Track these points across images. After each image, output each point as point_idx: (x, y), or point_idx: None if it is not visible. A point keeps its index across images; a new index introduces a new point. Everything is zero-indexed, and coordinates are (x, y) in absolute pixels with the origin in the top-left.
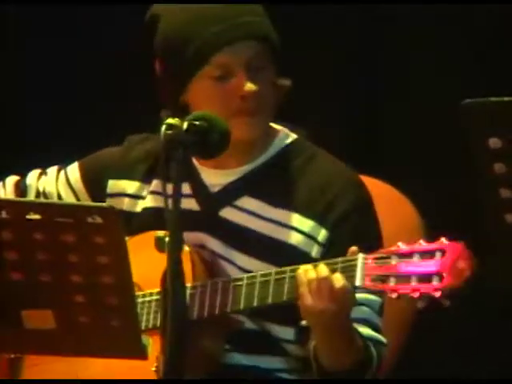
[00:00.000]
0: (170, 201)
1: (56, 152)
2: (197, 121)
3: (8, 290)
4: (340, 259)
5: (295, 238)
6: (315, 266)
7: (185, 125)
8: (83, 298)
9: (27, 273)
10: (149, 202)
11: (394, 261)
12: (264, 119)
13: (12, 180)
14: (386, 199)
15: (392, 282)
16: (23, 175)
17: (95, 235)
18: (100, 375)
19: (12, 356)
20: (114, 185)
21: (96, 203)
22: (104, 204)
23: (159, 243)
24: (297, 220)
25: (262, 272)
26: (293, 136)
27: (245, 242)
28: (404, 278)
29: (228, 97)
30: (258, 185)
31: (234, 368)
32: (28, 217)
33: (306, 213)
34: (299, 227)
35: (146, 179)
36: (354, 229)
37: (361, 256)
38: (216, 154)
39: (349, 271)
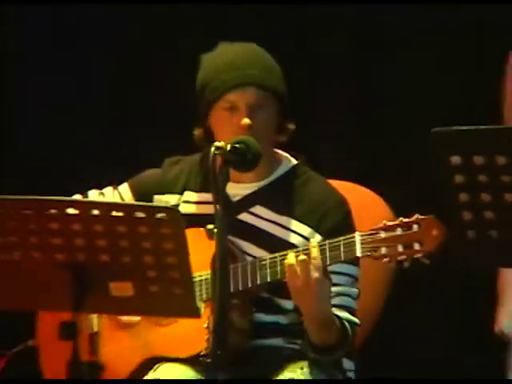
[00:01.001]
0: (197, 206)
1: (107, 173)
2: (237, 144)
3: (99, 268)
4: (342, 238)
5: (295, 239)
6: (311, 247)
7: (228, 147)
8: (154, 273)
9: (113, 255)
10: (182, 209)
11: (382, 234)
12: (259, 142)
13: (77, 198)
14: (367, 201)
15: (383, 251)
16: (83, 194)
17: (162, 227)
18: (164, 335)
19: (91, 332)
20: (159, 199)
21: (161, 204)
22: (168, 205)
23: (209, 233)
24: (297, 226)
25: (265, 257)
26: (294, 161)
27: (257, 238)
28: (392, 246)
29: (233, 125)
30: (268, 197)
31: (260, 324)
32: (113, 214)
33: (304, 221)
34: (299, 231)
35: (181, 192)
36: (341, 235)
37: (357, 233)
38: (251, 169)
39: (350, 246)
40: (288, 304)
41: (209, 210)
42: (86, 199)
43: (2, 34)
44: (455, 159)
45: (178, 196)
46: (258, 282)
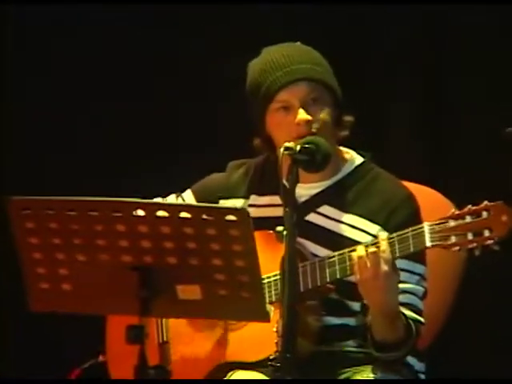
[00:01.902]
0: (263, 209)
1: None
2: (307, 144)
3: (166, 271)
4: (410, 229)
5: (363, 238)
6: (366, 247)
7: (298, 147)
8: (222, 276)
9: (180, 258)
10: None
11: (451, 223)
12: (328, 140)
13: None
14: (431, 201)
15: (453, 240)
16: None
17: (231, 229)
18: (234, 340)
19: (160, 341)
20: (224, 203)
21: (230, 206)
22: (237, 206)
23: (278, 235)
24: (365, 224)
25: (333, 254)
26: (360, 159)
27: (324, 238)
28: (461, 235)
29: (289, 125)
30: (334, 196)
31: (330, 327)
32: (181, 215)
33: (372, 219)
34: (367, 229)
35: (246, 196)
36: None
37: (426, 224)
38: (320, 169)
39: (419, 236)
40: (356, 306)
41: (275, 212)
42: (152, 201)
43: (2, 34)
44: None
45: (243, 200)
46: (328, 279)
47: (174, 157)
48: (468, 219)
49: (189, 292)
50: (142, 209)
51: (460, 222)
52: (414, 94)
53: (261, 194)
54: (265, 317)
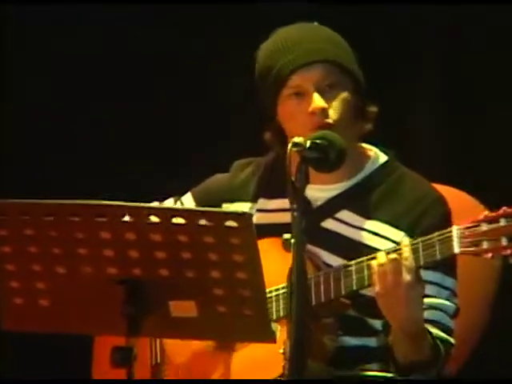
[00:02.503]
0: (273, 214)
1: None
2: (318, 139)
3: (157, 285)
4: (437, 234)
5: (387, 246)
6: (387, 254)
7: (308, 143)
8: (222, 290)
9: (173, 269)
10: (256, 219)
11: (484, 227)
12: (345, 132)
13: None
14: (460, 204)
15: (485, 245)
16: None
17: (231, 237)
18: (237, 361)
19: (153, 363)
20: (227, 208)
21: (231, 210)
22: (239, 210)
23: (286, 244)
24: (389, 230)
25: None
26: (384, 157)
27: (343, 248)
28: (495, 240)
29: (302, 114)
30: (355, 200)
31: (347, 348)
32: (174, 221)
33: (397, 225)
34: (391, 237)
35: (254, 199)
36: None
37: (455, 228)
38: (334, 169)
39: (446, 242)
40: (377, 324)
41: (287, 218)
42: (140, 204)
43: (2, 34)
44: None
45: (249, 204)
46: (343, 291)
47: (174, 158)
48: (502, 222)
49: (183, 309)
50: (129, 214)
51: (493, 225)
52: (438, 92)
53: (270, 197)
54: (270, 337)
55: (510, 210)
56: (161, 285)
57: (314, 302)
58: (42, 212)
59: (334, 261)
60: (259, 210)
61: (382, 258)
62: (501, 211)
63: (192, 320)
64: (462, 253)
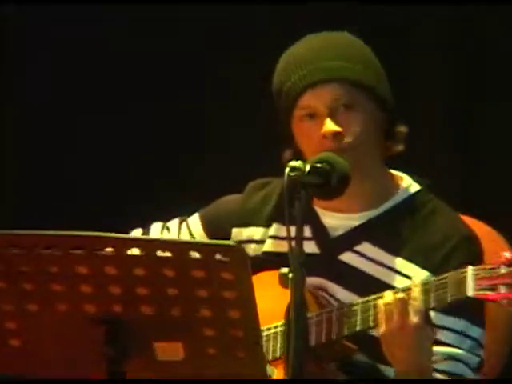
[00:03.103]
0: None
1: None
2: (319, 163)
3: (140, 324)
4: (450, 273)
5: None
6: (395, 293)
7: (307, 167)
8: (211, 331)
9: (158, 307)
10: (268, 246)
11: (503, 270)
12: (355, 158)
13: (137, 233)
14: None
15: (502, 290)
16: (147, 226)
17: (223, 271)
18: None
19: None
20: (239, 232)
21: (223, 242)
22: (230, 242)
23: (283, 279)
24: (413, 270)
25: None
26: (416, 186)
27: (364, 286)
28: None
29: (313, 136)
30: (379, 232)
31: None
32: (159, 254)
33: (422, 264)
34: (414, 276)
35: (267, 224)
36: None
37: (470, 268)
38: (336, 196)
39: (460, 283)
40: (390, 371)
41: (306, 247)
42: (121, 235)
43: (2, 34)
44: None
45: (262, 229)
46: (345, 332)
47: (183, 171)
48: None
49: (169, 351)
50: (109, 245)
51: None
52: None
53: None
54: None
55: None
56: (144, 324)
57: (313, 342)
58: (9, 244)
59: (349, 298)
60: (272, 237)
61: (388, 297)
62: None
63: (179, 363)
64: (475, 296)
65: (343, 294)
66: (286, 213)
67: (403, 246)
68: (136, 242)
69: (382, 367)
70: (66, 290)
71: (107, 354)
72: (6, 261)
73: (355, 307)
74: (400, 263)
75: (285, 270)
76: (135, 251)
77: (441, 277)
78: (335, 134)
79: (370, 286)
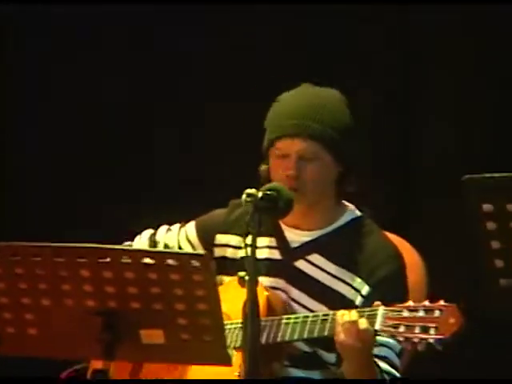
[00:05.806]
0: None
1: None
2: (269, 191)
3: (129, 316)
4: (367, 309)
5: (346, 289)
6: (349, 312)
7: (260, 194)
8: (185, 320)
9: (144, 302)
10: (243, 252)
11: (405, 313)
12: (307, 196)
13: (148, 233)
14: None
15: (401, 329)
16: (156, 227)
17: (194, 274)
18: (195, 373)
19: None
20: (221, 238)
21: (195, 251)
22: (200, 252)
23: (241, 281)
24: (349, 277)
25: (312, 314)
26: (358, 213)
27: (310, 287)
28: (410, 326)
29: (279, 171)
30: (326, 246)
31: (292, 379)
32: (144, 261)
33: (356, 272)
34: (350, 282)
35: (244, 235)
36: (388, 289)
37: (381, 308)
38: (282, 216)
39: (372, 318)
40: (331, 357)
41: (271, 253)
42: (115, 246)
43: (2, 34)
44: (487, 207)
45: (239, 238)
46: (287, 338)
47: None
48: (421, 313)
49: (152, 336)
50: (106, 255)
51: (413, 314)
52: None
53: (258, 234)
54: (226, 360)
55: (429, 305)
56: (133, 316)
57: (263, 342)
58: (30, 253)
59: (301, 298)
60: (247, 245)
61: (353, 315)
62: (421, 304)
63: (160, 346)
64: (381, 330)
65: (296, 294)
66: (247, 228)
67: (345, 258)
68: (127, 253)
69: (322, 353)
70: (72, 289)
71: (104, 339)
72: (27, 266)
73: (315, 318)
74: (341, 272)
75: (242, 273)
76: (126, 259)
77: (363, 309)
78: (294, 177)
79: (318, 288)
